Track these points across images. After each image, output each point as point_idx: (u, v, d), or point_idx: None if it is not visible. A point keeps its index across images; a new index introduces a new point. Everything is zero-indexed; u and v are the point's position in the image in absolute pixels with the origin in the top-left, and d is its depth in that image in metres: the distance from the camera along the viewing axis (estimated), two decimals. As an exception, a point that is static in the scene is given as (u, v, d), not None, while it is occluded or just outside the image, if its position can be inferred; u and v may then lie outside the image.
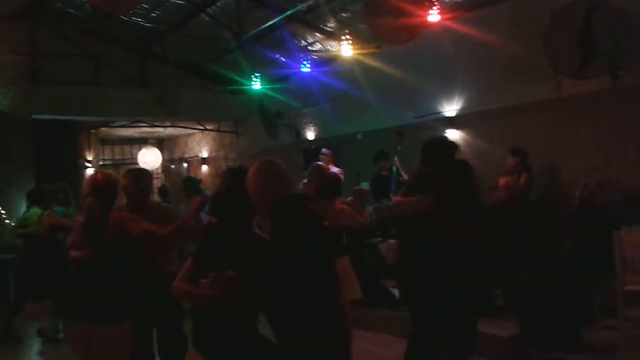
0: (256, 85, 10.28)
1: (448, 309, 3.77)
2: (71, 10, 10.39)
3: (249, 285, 2.45)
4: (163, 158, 15.18)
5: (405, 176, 7.24)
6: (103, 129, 14.01)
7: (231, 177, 3.16)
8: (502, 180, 6.05)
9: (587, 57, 6.05)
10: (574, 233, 5.81)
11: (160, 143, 16.38)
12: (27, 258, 7.10)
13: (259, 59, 10.25)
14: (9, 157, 9.73)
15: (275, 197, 2.61)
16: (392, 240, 6.56)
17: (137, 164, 13.91)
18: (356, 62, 9.23)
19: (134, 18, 10.24)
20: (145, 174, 4.40)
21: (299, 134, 11.21)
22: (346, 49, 8.50)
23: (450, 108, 8.21)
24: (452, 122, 8.17)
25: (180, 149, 16.28)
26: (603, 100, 6.34)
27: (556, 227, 6.10)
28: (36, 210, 6.84)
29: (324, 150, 8.08)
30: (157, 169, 15.13)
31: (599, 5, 5.98)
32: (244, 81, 10.50)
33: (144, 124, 13.26)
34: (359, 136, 9.75)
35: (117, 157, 16.00)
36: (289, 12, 8.74)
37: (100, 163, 14.85)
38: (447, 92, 8.24)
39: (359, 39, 8.63)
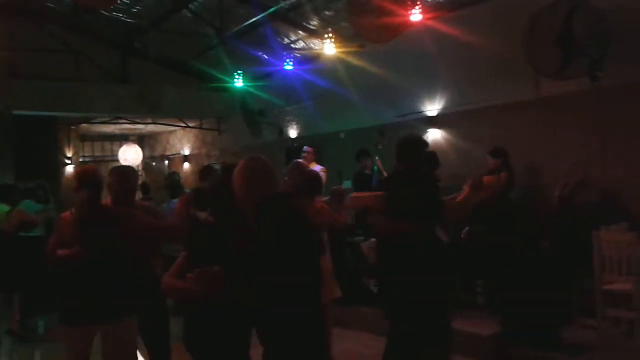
0: (239, 82, 10.25)
1: (416, 306, 3.83)
2: (51, 5, 10.25)
3: (235, 282, 2.44)
4: (144, 155, 15.05)
5: (386, 174, 7.26)
6: (83, 125, 13.85)
7: (228, 173, 3.14)
8: (485, 179, 6.09)
9: (566, 58, 6.09)
10: (553, 232, 5.86)
11: (141, 140, 16.25)
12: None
13: (242, 56, 10.20)
14: (-13, 152, 9.60)
15: (261, 195, 2.59)
16: (373, 239, 6.58)
17: (117, 161, 13.78)
18: (339, 60, 9.23)
19: (115, 13, 10.13)
20: (131, 173, 4.35)
21: (282, 132, 11.18)
22: (329, 48, 8.50)
23: (432, 107, 8.23)
24: (433, 122, 8.20)
25: (161, 146, 16.16)
26: (582, 101, 6.40)
27: (536, 227, 6.15)
28: (3, 207, 6.75)
29: (305, 148, 8.05)
30: (137, 166, 15.01)
31: (580, 6, 6.02)
32: (227, 78, 10.46)
33: (125, 121, 13.13)
34: (342, 135, 9.75)
35: (97, 153, 15.82)
36: (271, 10, 8.70)
37: (80, 160, 14.69)
38: (429, 92, 8.26)
39: (341, 37, 8.62)
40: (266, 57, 10.37)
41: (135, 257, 3.76)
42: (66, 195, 10.76)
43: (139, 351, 4.08)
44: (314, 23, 9.26)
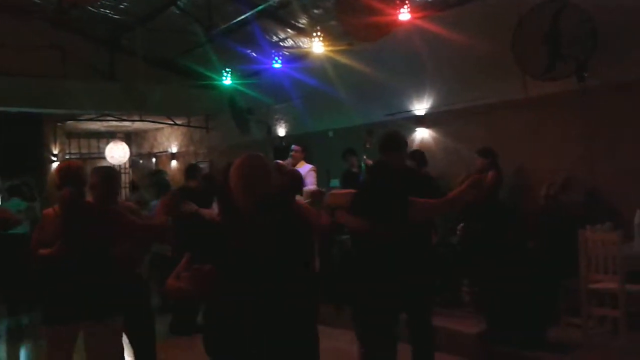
0: (227, 80, 10.20)
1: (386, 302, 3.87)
2: (38, 1, 10.15)
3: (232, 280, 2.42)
4: (131, 153, 14.93)
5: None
6: (69, 122, 13.72)
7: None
8: (488, 178, 6.11)
9: (553, 59, 6.13)
10: (539, 232, 5.88)
11: (128, 137, 16.11)
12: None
13: (230, 53, 10.16)
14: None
15: (258, 193, 2.54)
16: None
17: (104, 158, 13.67)
18: (328, 59, 9.21)
19: (102, 10, 10.06)
20: (115, 173, 4.32)
21: (270, 130, 11.14)
22: (318, 46, 8.49)
23: (421, 106, 8.25)
24: (422, 121, 8.21)
25: (148, 144, 16.06)
26: (569, 101, 6.44)
27: (523, 226, 6.18)
28: None
29: (294, 146, 8.03)
30: (124, 163, 14.91)
31: (566, 7, 6.06)
32: (215, 76, 10.41)
33: (112, 118, 13.04)
34: (330, 133, 9.74)
35: (84, 151, 15.66)
36: (260, 8, 8.67)
37: (67, 157, 14.55)
38: (418, 91, 8.27)
39: (330, 35, 8.61)
40: (255, 55, 10.34)
41: (119, 256, 3.73)
42: (52, 192, 10.66)
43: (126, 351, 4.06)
44: (303, 21, 9.24)
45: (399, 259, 3.83)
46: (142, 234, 3.86)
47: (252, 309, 2.48)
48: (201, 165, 12.53)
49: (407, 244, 3.83)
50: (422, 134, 8.22)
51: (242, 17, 9.05)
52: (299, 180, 4.79)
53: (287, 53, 10.01)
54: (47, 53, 10.36)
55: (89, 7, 9.88)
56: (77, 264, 3.51)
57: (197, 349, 2.93)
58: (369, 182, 4.30)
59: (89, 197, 3.94)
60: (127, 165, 15.58)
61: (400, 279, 3.84)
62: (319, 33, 8.44)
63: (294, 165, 7.80)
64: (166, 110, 12.55)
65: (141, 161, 16.08)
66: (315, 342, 2.70)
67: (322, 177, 7.98)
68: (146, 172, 14.21)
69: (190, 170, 7.37)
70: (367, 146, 7.46)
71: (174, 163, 14.66)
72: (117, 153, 13.51)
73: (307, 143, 8.30)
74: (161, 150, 15.32)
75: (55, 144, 13.54)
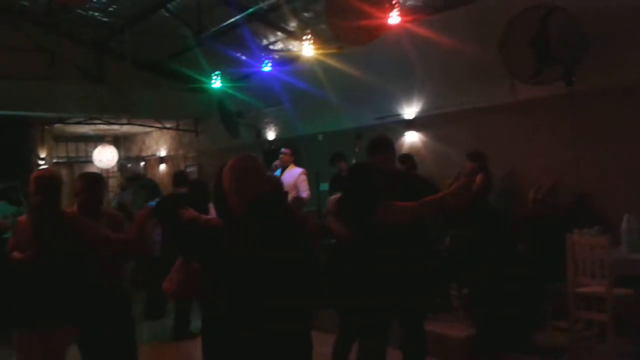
0: (216, 83, 10.18)
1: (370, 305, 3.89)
2: (25, 3, 10.07)
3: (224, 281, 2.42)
4: (119, 156, 14.85)
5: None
6: (57, 125, 13.61)
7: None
8: (477, 179, 6.12)
9: (541, 63, 6.15)
10: (527, 235, 5.89)
11: (116, 141, 16.02)
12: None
13: (220, 57, 10.12)
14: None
15: (251, 195, 2.51)
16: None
17: (92, 162, 13.59)
18: (317, 62, 9.20)
19: (90, 12, 9.98)
20: (100, 180, 4.30)
21: (260, 134, 11.12)
22: (307, 49, 8.49)
23: (410, 110, 8.25)
24: (411, 124, 8.22)
25: (137, 147, 15.98)
26: (558, 105, 6.47)
27: (511, 229, 6.19)
28: None
29: (283, 150, 8.01)
30: (113, 167, 14.82)
31: (555, 11, 6.08)
32: (204, 79, 10.37)
33: (100, 121, 12.96)
34: (320, 137, 9.74)
35: (72, 154, 15.57)
36: (250, 11, 8.65)
37: (54, 160, 14.44)
38: (407, 95, 8.28)
39: (320, 39, 8.60)
40: (244, 58, 10.30)
41: (94, 266, 3.71)
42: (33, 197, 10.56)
43: None
44: (293, 25, 9.22)
45: (384, 264, 3.81)
46: (111, 248, 3.81)
47: (248, 312, 2.46)
48: (190, 170, 12.52)
49: (394, 248, 3.80)
50: (411, 138, 8.22)
51: (232, 20, 9.02)
52: (277, 186, 4.77)
53: (276, 56, 9.99)
54: (35, 56, 10.26)
55: (78, 10, 9.80)
56: (45, 271, 3.52)
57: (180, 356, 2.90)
58: (345, 185, 4.30)
59: (73, 204, 3.94)
60: (116, 169, 15.51)
61: (387, 285, 3.81)
62: (309, 36, 8.44)
63: (284, 167, 7.79)
64: (155, 114, 12.49)
65: (129, 165, 15.99)
66: (309, 346, 2.67)
67: (312, 181, 7.96)
68: (125, 176, 14.10)
69: (179, 176, 7.45)
70: (357, 150, 7.46)
71: (162, 166, 14.59)
72: (105, 157, 13.44)
73: (296, 146, 8.29)
74: (150, 153, 15.24)
75: (42, 147, 13.43)
